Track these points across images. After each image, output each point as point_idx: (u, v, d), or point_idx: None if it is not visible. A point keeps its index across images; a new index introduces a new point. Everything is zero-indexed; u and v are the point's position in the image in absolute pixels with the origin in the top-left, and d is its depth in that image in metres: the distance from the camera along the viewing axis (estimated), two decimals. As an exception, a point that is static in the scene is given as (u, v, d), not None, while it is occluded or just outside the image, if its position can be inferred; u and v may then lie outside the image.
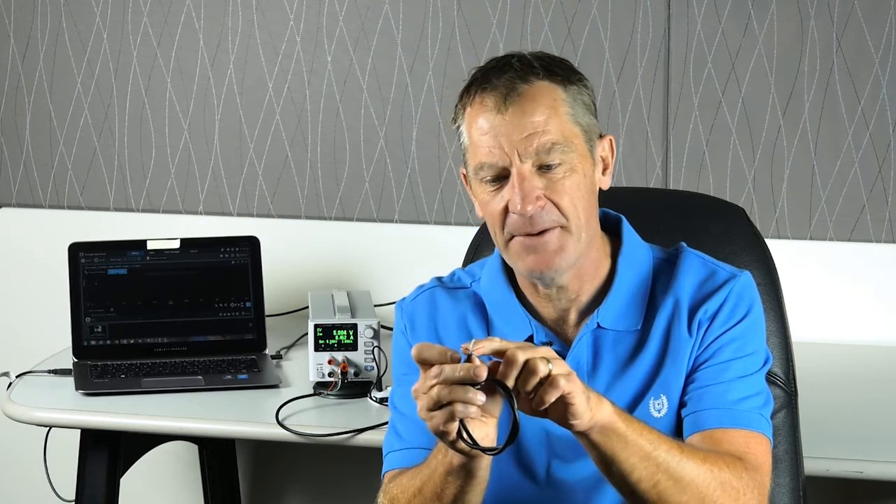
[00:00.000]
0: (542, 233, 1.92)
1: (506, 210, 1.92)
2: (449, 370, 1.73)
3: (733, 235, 2.29)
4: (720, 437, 1.94)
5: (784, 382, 2.24)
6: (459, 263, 2.32)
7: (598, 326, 1.99)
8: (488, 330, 2.03)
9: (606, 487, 1.95)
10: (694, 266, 2.02)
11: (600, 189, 2.00)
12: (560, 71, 1.94)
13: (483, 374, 1.73)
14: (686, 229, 2.29)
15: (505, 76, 1.91)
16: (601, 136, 1.98)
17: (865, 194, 3.13)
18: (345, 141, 3.36)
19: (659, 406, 1.97)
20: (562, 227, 1.92)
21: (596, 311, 1.99)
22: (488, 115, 1.91)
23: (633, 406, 1.98)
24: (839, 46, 3.10)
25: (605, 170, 1.99)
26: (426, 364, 1.77)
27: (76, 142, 3.50)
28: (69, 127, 3.50)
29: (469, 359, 1.75)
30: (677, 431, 1.98)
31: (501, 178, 1.92)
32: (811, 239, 3.16)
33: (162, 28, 3.42)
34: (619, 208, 2.08)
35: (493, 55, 3.19)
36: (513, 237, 1.93)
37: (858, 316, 3.16)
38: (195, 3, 3.40)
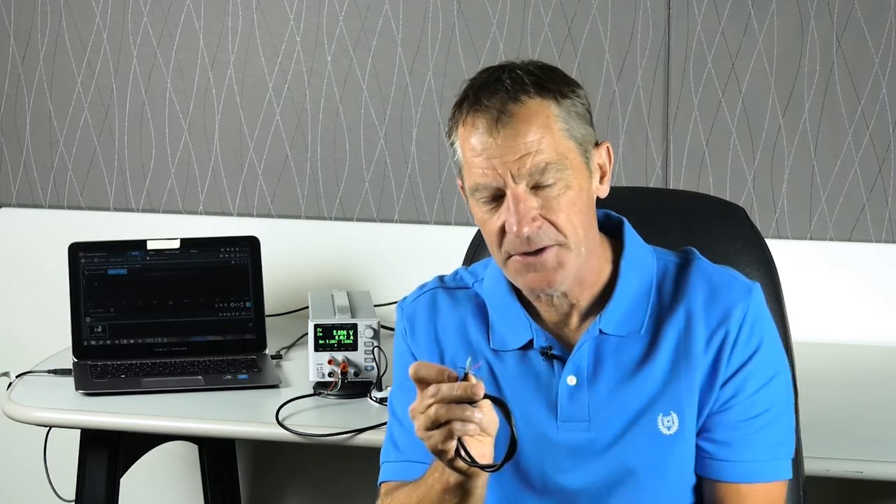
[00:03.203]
0: (540, 251, 1.90)
1: (503, 230, 1.90)
2: (446, 389, 1.73)
3: (733, 236, 2.29)
4: (745, 494, 1.95)
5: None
6: (459, 263, 2.32)
7: (601, 332, 1.97)
8: (488, 334, 2.02)
9: (608, 497, 1.95)
10: (707, 277, 1.99)
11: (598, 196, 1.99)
12: (552, 85, 1.91)
13: (481, 392, 1.73)
14: (686, 229, 2.28)
15: (496, 97, 1.88)
16: (597, 144, 1.95)
17: (865, 194, 3.13)
18: (345, 141, 3.36)
19: (668, 423, 1.95)
20: (560, 244, 1.90)
21: (598, 316, 1.97)
22: (480, 137, 1.88)
23: (638, 419, 1.96)
24: (839, 46, 3.10)
25: (602, 177, 1.96)
26: (423, 383, 1.76)
27: (76, 142, 3.50)
28: (69, 127, 3.50)
29: (466, 377, 1.74)
30: (686, 449, 1.96)
31: (497, 197, 1.90)
32: (811, 239, 3.16)
33: (162, 28, 3.42)
34: (619, 208, 2.07)
35: (493, 55, 3.22)
36: (511, 256, 1.91)
37: (858, 316, 3.16)
38: (195, 3, 3.40)
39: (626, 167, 3.21)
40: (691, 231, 2.27)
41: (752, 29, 3.13)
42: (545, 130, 1.88)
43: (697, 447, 1.97)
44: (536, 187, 1.88)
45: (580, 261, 1.92)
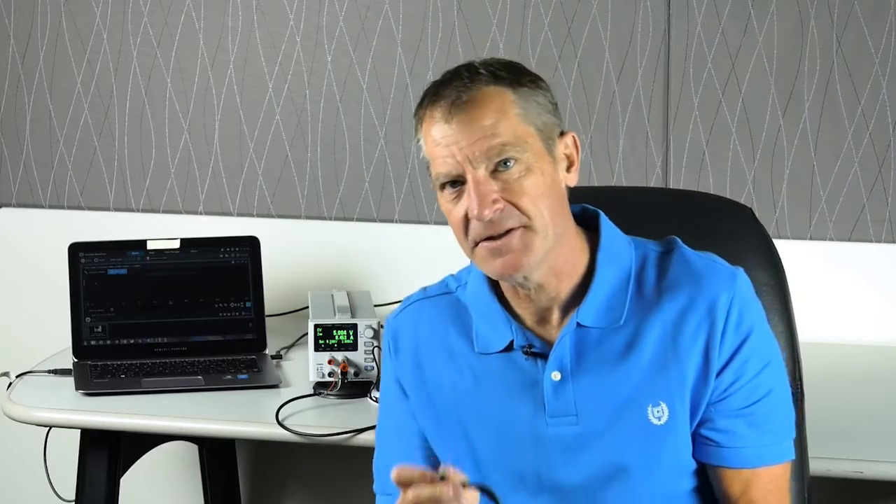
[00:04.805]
0: (505, 234, 1.90)
1: (467, 218, 1.91)
2: (426, 492, 1.77)
3: (741, 236, 2.27)
4: (750, 479, 1.96)
5: (790, 384, 2.22)
6: (459, 263, 2.32)
7: (579, 325, 1.96)
8: (471, 339, 2.02)
9: (602, 491, 1.94)
10: (690, 265, 1.98)
11: (571, 187, 1.98)
12: (507, 74, 1.93)
13: (458, 493, 1.76)
14: (693, 229, 2.24)
15: (451, 86, 1.91)
16: (563, 134, 1.96)
17: (865, 194, 3.13)
18: (345, 141, 3.36)
19: (658, 413, 1.95)
20: (525, 226, 1.90)
21: (576, 309, 1.97)
22: (438, 126, 1.91)
23: (626, 410, 1.95)
24: (839, 46, 3.10)
25: (570, 167, 1.97)
26: (405, 485, 1.79)
27: (76, 142, 3.50)
28: (69, 127, 3.50)
29: (444, 478, 1.78)
30: (679, 440, 1.96)
31: (459, 184, 1.92)
32: (811, 239, 3.17)
33: (162, 28, 3.42)
34: (626, 207, 2.07)
35: (493, 55, 3.22)
36: (477, 244, 1.92)
37: (858, 316, 3.16)
38: (195, 3, 3.40)
39: (626, 167, 3.21)
40: (699, 231, 2.24)
41: (752, 29, 3.13)
42: (500, 115, 1.90)
43: (700, 436, 1.97)
44: (497, 171, 1.89)
45: (547, 244, 1.92)
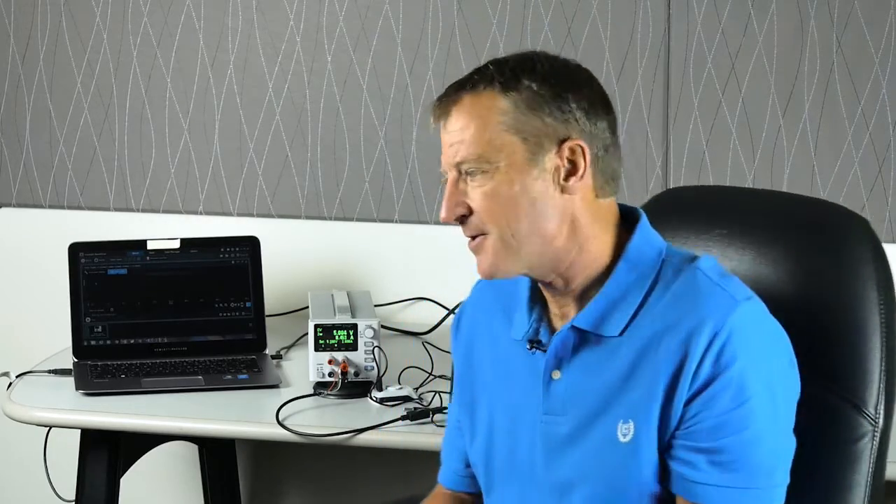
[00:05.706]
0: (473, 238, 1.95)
1: None
2: None
3: (850, 247, 2.10)
4: None
5: (871, 416, 2.03)
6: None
7: (573, 328, 1.93)
8: (511, 325, 2.02)
9: (570, 499, 1.93)
10: (694, 286, 1.90)
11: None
12: (509, 76, 1.89)
13: None
14: (802, 238, 2.13)
15: (452, 87, 1.93)
16: (564, 141, 1.89)
17: (865, 194, 3.13)
18: (345, 141, 3.36)
19: (625, 430, 1.89)
20: (485, 233, 1.91)
21: (578, 312, 1.94)
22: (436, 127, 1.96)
23: (599, 422, 1.91)
24: (839, 46, 3.10)
25: (570, 175, 1.90)
26: None
27: (76, 142, 3.50)
28: (69, 127, 3.50)
29: None
30: (641, 461, 1.89)
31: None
32: (811, 239, 3.16)
33: (162, 28, 3.42)
34: (731, 210, 2.06)
35: (493, 55, 3.21)
36: None
37: (858, 316, 3.16)
38: (195, 3, 3.40)
39: (625, 167, 3.20)
40: (808, 240, 2.13)
41: (752, 29, 3.14)
42: (478, 122, 1.89)
43: (666, 465, 1.90)
44: (466, 177, 1.91)
45: (518, 255, 1.90)
